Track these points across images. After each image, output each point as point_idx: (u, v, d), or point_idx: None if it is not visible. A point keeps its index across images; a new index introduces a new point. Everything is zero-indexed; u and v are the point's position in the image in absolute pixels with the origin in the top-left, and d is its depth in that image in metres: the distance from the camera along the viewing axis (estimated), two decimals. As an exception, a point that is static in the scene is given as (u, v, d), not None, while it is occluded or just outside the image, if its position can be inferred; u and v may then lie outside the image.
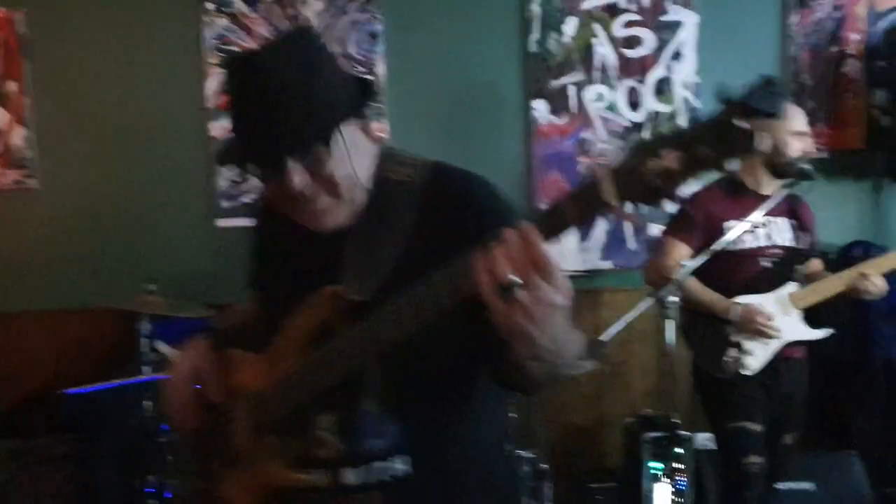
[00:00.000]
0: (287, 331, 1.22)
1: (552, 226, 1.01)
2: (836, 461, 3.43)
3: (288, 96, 1.13)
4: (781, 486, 3.25)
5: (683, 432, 3.14)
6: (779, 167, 2.83)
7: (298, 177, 1.14)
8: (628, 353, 3.77)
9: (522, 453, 2.55)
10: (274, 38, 1.24)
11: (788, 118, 2.83)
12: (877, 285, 2.74)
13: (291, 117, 1.12)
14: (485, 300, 1.01)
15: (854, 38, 3.84)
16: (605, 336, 2.35)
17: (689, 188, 3.18)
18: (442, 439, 1.28)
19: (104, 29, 3.76)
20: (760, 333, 2.71)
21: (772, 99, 0.94)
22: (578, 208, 1.00)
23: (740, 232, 2.78)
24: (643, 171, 0.92)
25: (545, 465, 2.65)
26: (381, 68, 3.69)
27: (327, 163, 1.17)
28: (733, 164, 0.92)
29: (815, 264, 3.03)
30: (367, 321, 1.13)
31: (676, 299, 2.35)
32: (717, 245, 2.62)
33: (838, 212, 3.88)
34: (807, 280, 2.90)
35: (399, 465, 1.24)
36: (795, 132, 2.80)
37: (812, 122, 3.80)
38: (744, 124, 0.89)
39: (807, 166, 2.79)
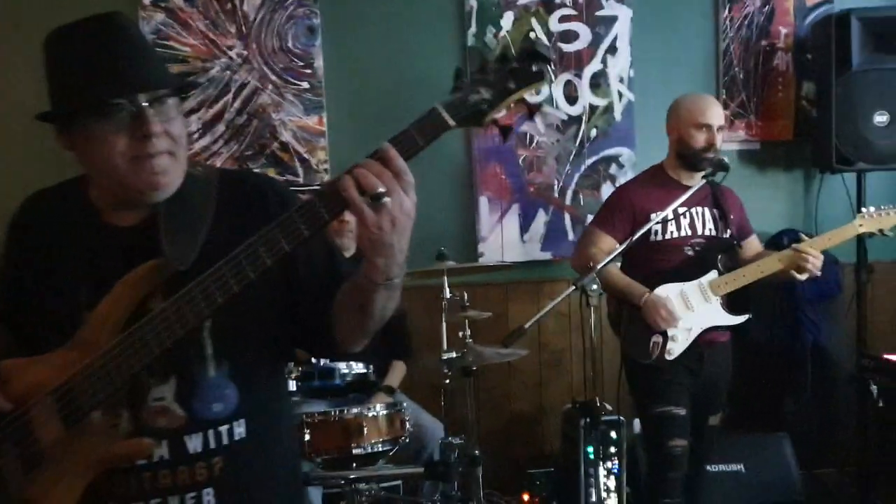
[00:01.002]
0: (96, 318, 1.23)
1: (405, 147, 1.15)
2: (767, 443, 3.55)
3: (147, 48, 1.26)
4: (712, 467, 3.36)
5: (618, 417, 3.22)
6: (690, 159, 2.91)
7: (157, 124, 1.20)
8: (568, 343, 3.85)
9: (453, 440, 2.60)
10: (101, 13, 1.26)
11: (694, 111, 2.90)
12: (814, 262, 2.80)
13: (153, 65, 1.24)
14: (356, 212, 1.11)
15: (783, 31, 3.95)
16: (528, 324, 2.41)
17: (618, 181, 3.18)
18: (274, 401, 1.38)
19: (34, 20, 3.71)
20: (659, 325, 2.79)
21: (548, 50, 1.30)
22: (422, 133, 1.15)
23: (660, 222, 2.85)
24: (469, 101, 1.17)
25: (476, 451, 2.70)
26: (319, 62, 3.71)
27: (174, 119, 1.24)
28: (527, 91, 1.19)
29: (755, 245, 3.11)
30: (192, 287, 1.17)
31: (597, 287, 2.41)
32: (638, 234, 2.69)
33: (769, 201, 4.01)
34: (744, 262, 2.97)
35: (238, 429, 1.29)
36: (700, 124, 2.88)
37: (743, 114, 3.93)
38: (535, 66, 1.17)
39: (720, 157, 2.86)
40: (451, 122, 1.16)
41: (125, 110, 1.18)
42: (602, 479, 3.31)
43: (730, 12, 3.91)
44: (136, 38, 1.25)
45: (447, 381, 2.80)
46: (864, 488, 3.57)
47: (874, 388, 3.48)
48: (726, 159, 2.85)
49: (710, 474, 3.31)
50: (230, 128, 3.68)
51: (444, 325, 2.81)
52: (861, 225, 2.93)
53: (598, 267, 2.48)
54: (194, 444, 1.27)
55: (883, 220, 2.93)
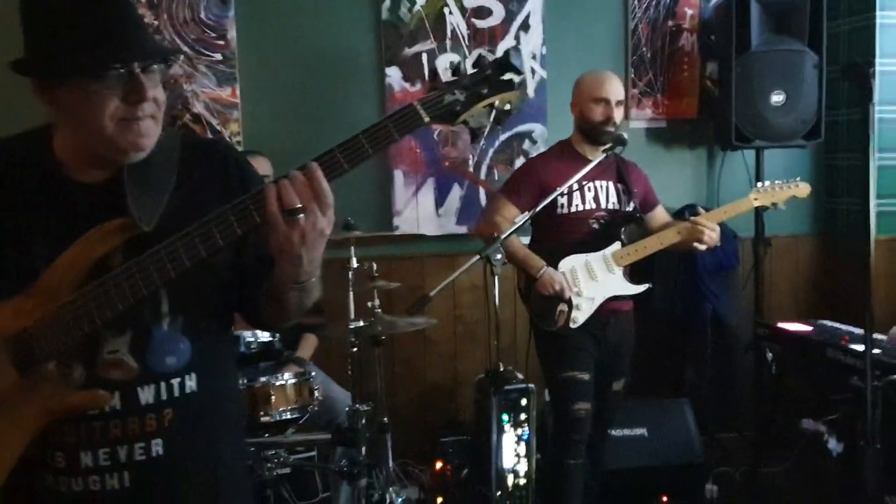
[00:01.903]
0: (57, 269, 1.25)
1: (379, 137, 1.23)
2: (669, 408, 3.69)
3: (138, 15, 1.32)
4: (617, 431, 3.50)
5: (526, 385, 3.32)
6: (590, 132, 3.01)
7: (148, 89, 1.25)
8: (483, 313, 3.92)
9: (360, 407, 2.65)
10: None
11: (593, 86, 3.00)
12: (710, 234, 2.93)
13: (146, 33, 1.31)
14: (271, 221, 1.18)
15: (689, 13, 4.08)
16: (433, 292, 2.47)
17: (531, 156, 3.26)
18: (224, 358, 1.44)
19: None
20: (558, 296, 2.90)
21: (520, 62, 1.36)
22: (399, 126, 1.23)
23: (566, 194, 2.95)
24: (444, 101, 1.26)
25: (385, 419, 2.76)
26: (232, 33, 3.67)
27: (159, 85, 1.29)
28: (499, 101, 1.31)
29: (661, 216, 3.23)
30: (159, 248, 1.21)
31: (501, 257, 2.49)
32: (541, 205, 2.78)
33: (675, 177, 4.16)
34: (651, 231, 3.09)
35: (189, 382, 1.34)
36: (598, 98, 2.98)
37: (650, 93, 4.06)
38: (507, 76, 1.29)
39: (619, 132, 2.96)
40: (426, 119, 1.25)
41: (120, 74, 1.22)
42: (513, 446, 3.43)
43: (639, -7, 4.02)
44: (129, 4, 1.30)
45: (354, 349, 2.84)
46: (759, 450, 3.77)
47: (769, 355, 3.67)
48: (625, 134, 2.95)
49: (614, 438, 3.45)
50: (140, 98, 3.61)
51: (350, 294, 2.85)
52: (755, 199, 3.08)
53: (503, 237, 2.55)
54: (146, 395, 1.31)
55: (776, 194, 3.08)
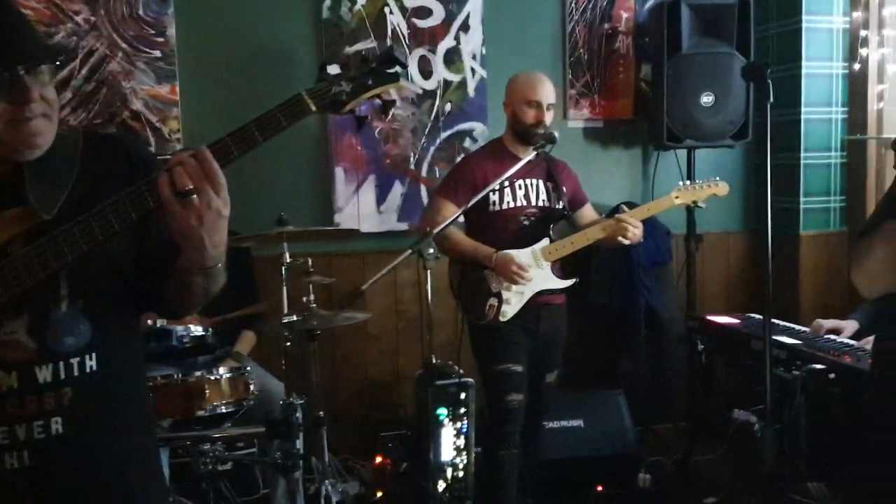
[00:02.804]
0: None
1: (269, 125, 1.29)
2: (604, 399, 3.80)
3: (21, 16, 1.31)
4: (553, 423, 3.59)
5: (460, 379, 3.38)
6: (522, 133, 3.09)
7: (34, 90, 1.26)
8: (427, 310, 3.98)
9: (295, 400, 2.68)
10: None
11: (526, 89, 3.07)
12: (633, 231, 3.03)
13: (29, 35, 1.30)
14: (165, 204, 1.22)
15: (624, 16, 4.19)
16: (364, 286, 2.52)
17: (461, 154, 3.32)
18: (127, 340, 1.46)
19: None
20: (513, 280, 2.97)
21: (403, 56, 1.38)
22: (286, 114, 1.29)
23: (497, 189, 3.02)
24: (331, 91, 1.33)
25: (321, 413, 2.80)
26: (171, 30, 3.67)
27: (48, 84, 1.30)
28: (384, 92, 1.38)
29: (589, 213, 3.32)
30: (56, 233, 1.25)
31: (433, 251, 2.54)
32: (472, 202, 2.84)
33: (611, 175, 4.27)
34: (580, 228, 3.18)
35: (90, 362, 1.36)
36: (531, 101, 3.06)
37: (587, 93, 4.16)
38: (392, 69, 1.37)
39: (550, 131, 3.04)
40: (313, 108, 1.32)
41: (3, 78, 1.23)
42: (452, 439, 3.48)
43: (576, -4, 4.12)
44: (10, 5, 1.30)
45: (288, 343, 2.88)
46: (691, 440, 3.89)
47: (700, 347, 3.79)
48: (556, 133, 3.03)
49: (550, 429, 3.54)
50: (77, 95, 3.59)
51: (284, 288, 2.88)
52: (677, 197, 3.20)
53: (434, 231, 2.61)
54: (44, 374, 1.32)
55: (696, 192, 3.20)
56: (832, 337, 3.19)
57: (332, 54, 3.80)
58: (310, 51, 3.84)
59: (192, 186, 1.21)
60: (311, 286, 2.82)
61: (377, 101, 1.41)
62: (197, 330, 2.79)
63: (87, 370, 1.36)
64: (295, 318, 2.75)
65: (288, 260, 2.81)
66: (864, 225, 1.53)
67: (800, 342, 3.19)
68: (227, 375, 2.76)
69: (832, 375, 2.89)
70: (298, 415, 2.65)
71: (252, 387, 2.83)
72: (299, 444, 2.69)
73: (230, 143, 1.28)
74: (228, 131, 1.31)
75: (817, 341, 3.16)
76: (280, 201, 3.61)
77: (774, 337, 3.28)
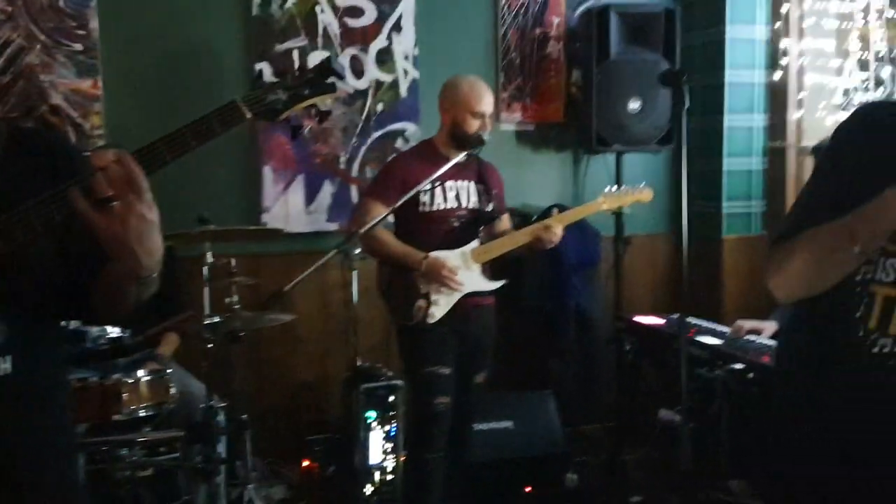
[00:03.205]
0: None
1: (203, 130, 1.27)
2: (533, 400, 3.81)
3: None
4: (482, 425, 3.59)
5: (388, 382, 3.37)
6: (461, 140, 3.09)
7: None
8: (354, 313, 3.95)
9: (216, 403, 2.63)
10: None
11: (472, 99, 3.08)
12: (555, 233, 3.07)
13: None
14: (84, 212, 1.17)
15: (556, 21, 4.24)
16: (287, 287, 2.48)
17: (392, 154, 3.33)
18: (45, 344, 1.42)
19: None
20: (444, 283, 2.97)
21: (342, 68, 1.39)
22: (221, 120, 1.28)
23: (428, 190, 3.02)
24: (266, 99, 1.34)
25: (244, 416, 2.75)
26: (94, 23, 3.56)
27: None
28: (320, 102, 1.40)
29: (504, 222, 3.34)
30: None
31: (359, 252, 2.52)
32: (400, 202, 2.84)
33: (543, 178, 4.31)
34: (496, 236, 3.20)
35: (4, 365, 1.32)
36: (476, 112, 3.06)
37: (519, 97, 4.19)
38: (329, 79, 1.38)
39: (479, 134, 3.06)
40: (248, 115, 1.31)
41: None
42: (380, 442, 3.47)
43: (508, 0, 4.14)
44: None
45: (210, 345, 2.81)
46: (618, 439, 3.94)
47: (627, 347, 3.85)
48: (484, 136, 3.05)
49: (480, 431, 3.53)
50: (-8, 87, 3.46)
51: (206, 289, 2.82)
52: (603, 202, 3.25)
53: (360, 232, 2.59)
54: None
55: (622, 198, 3.26)
56: (752, 338, 3.28)
57: (262, 52, 3.75)
58: (239, 48, 3.77)
59: (112, 193, 1.16)
60: (234, 287, 2.77)
61: (312, 109, 1.42)
62: (114, 331, 2.71)
63: (1, 372, 1.31)
64: (218, 319, 2.69)
65: (210, 260, 2.75)
66: (780, 230, 1.54)
67: (721, 342, 3.28)
68: (147, 378, 2.68)
69: (751, 375, 2.97)
70: (220, 418, 2.59)
71: (173, 390, 2.76)
72: (221, 447, 2.63)
73: (163, 148, 1.25)
74: (154, 127, 1.29)
75: (738, 342, 3.24)
76: (206, 200, 3.53)
77: (697, 338, 3.38)
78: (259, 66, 3.74)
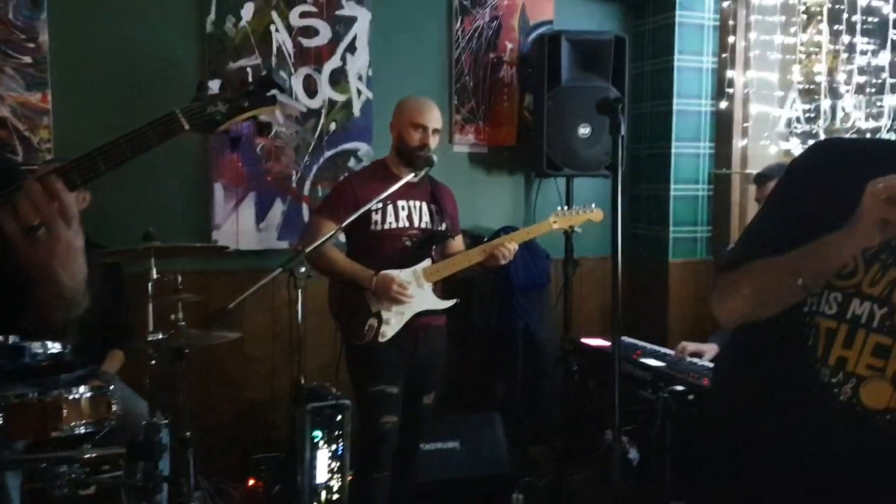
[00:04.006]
0: None
1: (139, 141, 1.27)
2: (480, 421, 3.84)
3: None
4: (429, 445, 3.60)
5: (337, 401, 3.36)
6: (406, 155, 3.12)
7: None
8: (298, 329, 3.93)
9: (158, 420, 2.61)
10: None
11: (413, 112, 3.12)
12: (509, 249, 3.11)
13: None
14: (11, 235, 1.16)
15: (509, 46, 4.32)
16: (232, 304, 2.48)
17: (344, 174, 3.34)
18: None
19: None
20: (395, 300, 2.99)
21: (282, 80, 1.40)
22: (158, 131, 1.28)
23: (378, 210, 3.05)
24: (206, 111, 1.34)
25: (188, 433, 2.73)
26: (44, 36, 3.53)
27: None
28: (260, 113, 1.41)
29: (458, 243, 3.37)
30: None
31: (305, 270, 2.53)
32: (349, 219, 2.86)
33: (495, 200, 4.37)
34: (449, 256, 3.23)
35: None
36: (417, 124, 3.10)
37: (473, 119, 4.25)
38: (270, 92, 1.39)
39: (429, 154, 3.09)
40: (186, 126, 1.32)
41: None
42: (326, 461, 3.45)
43: (461, 24, 4.20)
44: None
45: (153, 362, 2.79)
46: (564, 460, 3.98)
47: (574, 368, 3.89)
48: (434, 157, 3.09)
49: (427, 451, 3.55)
50: (-64, 98, 3.41)
51: (150, 306, 2.80)
52: (555, 222, 3.30)
53: (307, 250, 2.60)
54: None
55: (572, 218, 3.32)
56: (694, 360, 3.35)
57: (216, 69, 3.75)
58: (193, 65, 3.77)
59: (38, 222, 1.15)
60: (180, 304, 2.75)
61: (253, 122, 1.43)
62: (54, 347, 2.67)
63: None
64: (161, 336, 2.68)
65: (155, 276, 2.73)
66: (727, 258, 1.58)
67: (664, 364, 3.34)
68: (88, 395, 2.65)
69: (691, 396, 3.04)
70: (163, 435, 2.57)
71: (115, 407, 2.72)
72: (164, 465, 2.60)
73: (98, 158, 1.25)
74: (103, 141, 1.30)
75: (680, 364, 3.31)
76: (156, 217, 3.51)
77: (641, 359, 3.44)
78: (212, 83, 3.72)
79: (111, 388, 2.77)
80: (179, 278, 2.79)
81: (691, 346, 3.48)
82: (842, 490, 1.50)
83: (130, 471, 2.84)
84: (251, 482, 3.54)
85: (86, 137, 3.57)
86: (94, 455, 2.59)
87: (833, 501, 1.52)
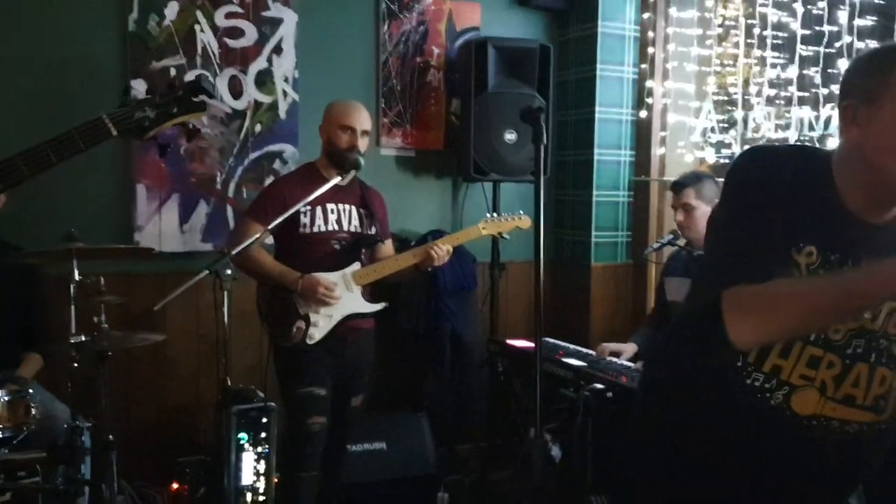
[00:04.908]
0: None
1: (65, 147, 1.21)
2: (408, 422, 3.88)
3: None
4: (357, 446, 3.62)
5: (264, 403, 3.34)
6: (335, 157, 3.15)
7: None
8: (223, 332, 3.90)
9: (80, 424, 2.56)
10: None
11: (341, 115, 3.15)
12: (441, 251, 3.15)
13: None
14: None
15: (436, 51, 4.37)
16: (157, 307, 2.45)
17: (269, 176, 3.32)
18: None
19: None
20: (321, 302, 3.01)
21: (211, 87, 1.42)
22: (85, 137, 1.21)
23: (307, 212, 3.06)
24: (134, 117, 1.38)
25: (110, 437, 2.68)
26: (-42, 30, 3.42)
27: None
28: (189, 119, 1.51)
29: (388, 247, 3.41)
30: None
31: (231, 272, 2.53)
32: (277, 221, 2.87)
33: (423, 204, 4.41)
34: (378, 260, 3.26)
35: None
36: (345, 126, 3.13)
37: (400, 123, 4.29)
38: (199, 97, 1.45)
39: (356, 157, 3.12)
40: (114, 132, 1.29)
41: None
42: (252, 464, 3.43)
43: (389, 28, 4.24)
44: None
45: (75, 364, 2.74)
46: (490, 458, 4.05)
47: (500, 369, 3.97)
48: (362, 161, 3.12)
49: (354, 453, 3.57)
50: None
51: (72, 308, 2.74)
52: (483, 228, 3.38)
53: (233, 252, 2.59)
54: None
55: (501, 224, 3.40)
56: (613, 359, 3.46)
57: (139, 69, 3.69)
58: (114, 63, 3.69)
59: None
60: (103, 306, 2.71)
61: (182, 127, 1.43)
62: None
63: None
64: (83, 338, 2.63)
65: (77, 278, 2.68)
66: (730, 275, 1.47)
67: (585, 364, 3.44)
68: (5, 399, 2.58)
69: (610, 394, 3.14)
70: (84, 439, 2.52)
71: (34, 411, 2.66)
72: (86, 469, 2.56)
73: (21, 163, 1.24)
74: (28, 144, 1.26)
75: (600, 363, 3.42)
76: (77, 218, 3.42)
77: (563, 359, 3.54)
78: (134, 83, 3.67)
79: (30, 391, 2.70)
80: (102, 280, 2.75)
81: (611, 347, 3.60)
82: (770, 488, 1.58)
83: (50, 476, 2.78)
84: (175, 486, 3.49)
85: (7, 136, 3.47)
86: (12, 459, 2.52)
87: (762, 499, 1.60)
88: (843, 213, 1.48)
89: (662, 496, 1.72)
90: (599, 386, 3.16)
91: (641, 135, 4.55)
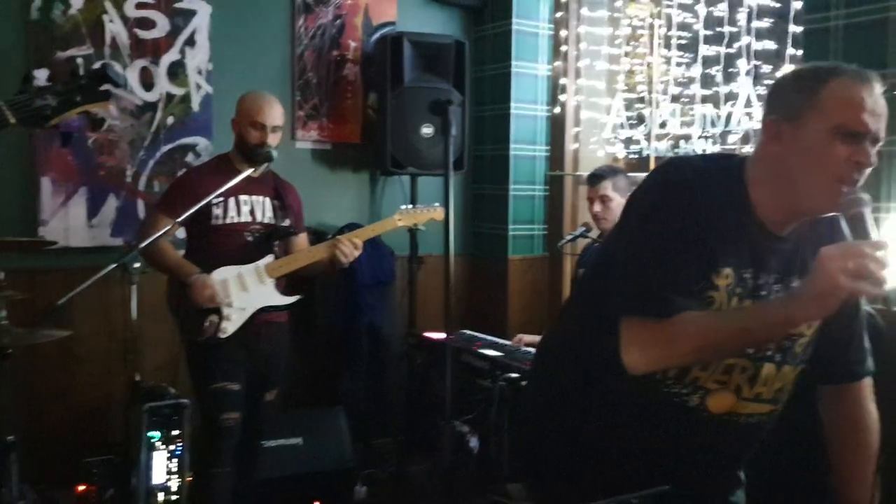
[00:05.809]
0: None
1: None
2: (324, 417, 3.86)
3: None
4: (272, 442, 3.59)
5: (178, 400, 3.29)
6: (246, 152, 3.12)
7: None
8: (132, 328, 3.81)
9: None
10: None
11: (252, 111, 3.11)
12: (355, 245, 3.14)
13: None
14: None
15: (353, 45, 4.37)
16: (60, 301, 2.38)
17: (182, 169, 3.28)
18: None
19: None
20: (210, 302, 2.97)
21: (116, 74, 1.51)
22: None
23: (219, 204, 3.02)
24: (34, 105, 1.32)
25: (11, 437, 2.60)
26: None
27: None
28: (93, 108, 1.42)
29: (302, 240, 3.38)
30: None
31: (139, 266, 2.48)
32: (187, 214, 2.82)
33: (340, 197, 4.40)
34: (290, 252, 3.24)
35: None
36: (256, 123, 3.09)
37: (316, 116, 4.27)
38: (103, 86, 1.38)
39: (268, 150, 3.10)
40: (13, 120, 1.30)
41: None
42: (164, 463, 3.36)
43: (305, 21, 4.21)
44: None
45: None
46: (408, 451, 4.07)
47: (418, 362, 4.00)
48: (274, 153, 3.10)
49: (270, 448, 3.53)
50: None
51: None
52: (399, 219, 3.39)
53: (141, 246, 2.54)
54: None
55: (417, 216, 3.42)
56: (528, 349, 3.53)
57: (42, 59, 3.56)
58: (16, 52, 3.56)
59: None
60: (3, 302, 2.62)
61: (86, 116, 1.39)
62: None
63: None
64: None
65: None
66: (637, 303, 1.47)
67: (501, 354, 3.50)
68: None
69: (524, 383, 3.21)
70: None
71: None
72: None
73: None
74: None
75: (515, 353, 3.48)
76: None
77: (481, 350, 3.59)
78: (38, 72, 3.53)
79: (-77, 392, 2.59)
80: (3, 275, 2.65)
81: (527, 338, 3.67)
82: (671, 464, 1.61)
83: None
84: (81, 487, 3.39)
85: None
86: None
87: (663, 474, 1.65)
88: (755, 227, 1.52)
89: (574, 479, 1.75)
90: (514, 375, 3.22)
91: (556, 131, 4.64)
